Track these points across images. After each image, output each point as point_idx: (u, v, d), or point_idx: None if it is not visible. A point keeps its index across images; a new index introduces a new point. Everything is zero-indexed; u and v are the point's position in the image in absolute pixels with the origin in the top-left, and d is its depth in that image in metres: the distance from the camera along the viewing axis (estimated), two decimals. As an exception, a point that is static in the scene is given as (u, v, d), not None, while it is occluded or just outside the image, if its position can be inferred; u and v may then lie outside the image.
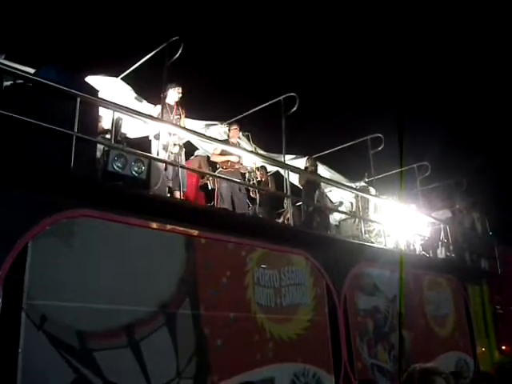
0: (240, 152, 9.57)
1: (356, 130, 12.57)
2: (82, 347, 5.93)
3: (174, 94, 8.84)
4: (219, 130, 10.99)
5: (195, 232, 7.43)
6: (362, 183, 12.98)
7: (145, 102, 9.64)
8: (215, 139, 9.69)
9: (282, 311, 8.25)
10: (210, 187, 10.10)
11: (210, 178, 9.97)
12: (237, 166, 9.65)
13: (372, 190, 12.37)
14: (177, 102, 8.89)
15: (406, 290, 10.24)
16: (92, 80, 8.44)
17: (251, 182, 10.18)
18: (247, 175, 10.12)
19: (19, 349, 5.43)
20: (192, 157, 10.52)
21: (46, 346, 5.66)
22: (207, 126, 10.88)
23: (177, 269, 7.13)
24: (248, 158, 9.91)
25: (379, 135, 11.72)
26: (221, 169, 9.58)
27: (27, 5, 13.54)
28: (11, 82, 6.60)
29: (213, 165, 10.14)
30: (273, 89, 10.43)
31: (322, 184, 11.30)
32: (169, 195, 8.30)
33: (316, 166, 11.44)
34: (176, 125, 8.51)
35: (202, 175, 10.19)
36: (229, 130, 10.28)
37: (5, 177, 5.54)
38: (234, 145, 9.59)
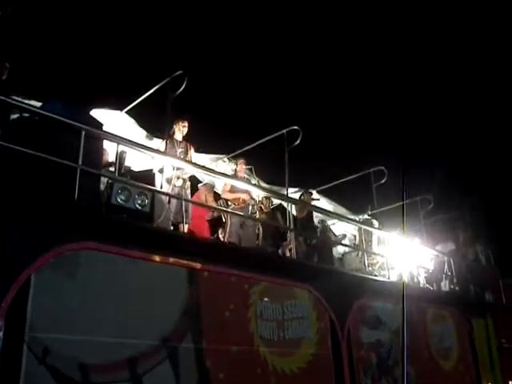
0: (249, 187, 9.64)
1: (359, 163, 12.65)
2: (85, 381, 5.88)
3: (182, 129, 8.94)
4: (226, 166, 11.07)
5: (198, 265, 7.42)
6: (365, 216, 12.99)
7: (152, 137, 9.76)
8: (224, 174, 9.76)
9: (285, 344, 8.19)
10: (223, 219, 10.12)
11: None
12: (248, 202, 9.74)
13: (375, 223, 12.38)
14: (183, 137, 8.98)
15: (409, 323, 10.15)
16: (96, 113, 8.55)
17: (255, 214, 10.23)
18: (250, 208, 10.16)
19: (20, 382, 5.39)
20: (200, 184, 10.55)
21: (48, 379, 5.61)
22: (211, 160, 10.96)
23: (180, 302, 7.11)
24: (253, 191, 9.98)
25: (382, 168, 11.78)
26: (233, 205, 9.66)
27: (33, 39, 13.73)
28: (18, 116, 6.71)
29: (218, 195, 10.21)
30: (276, 122, 10.53)
31: (323, 216, 11.32)
32: (172, 228, 8.33)
33: (311, 200, 11.50)
34: (182, 159, 8.57)
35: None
36: (236, 164, 10.35)
37: (9, 209, 5.57)
38: (242, 179, 9.67)
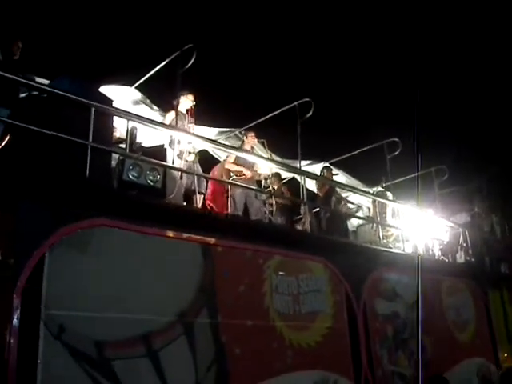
0: (254, 159, 9.54)
1: (372, 134, 12.50)
2: (100, 357, 5.89)
3: (185, 102, 8.84)
4: (233, 137, 10.99)
5: (212, 240, 7.39)
6: (379, 188, 12.90)
7: (159, 110, 9.67)
8: (229, 146, 9.69)
9: (300, 318, 8.17)
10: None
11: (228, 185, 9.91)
12: (250, 176, 9.62)
13: (389, 195, 12.29)
14: (188, 110, 8.88)
15: (424, 295, 10.11)
16: (106, 90, 8.49)
17: (267, 190, 10.17)
18: (263, 182, 10.09)
19: (38, 359, 5.42)
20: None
21: (65, 356, 5.63)
22: (220, 133, 10.88)
23: (194, 277, 7.08)
24: (263, 165, 9.88)
25: (396, 139, 11.66)
26: (235, 176, 9.55)
27: (41, 16, 13.64)
28: (26, 94, 6.66)
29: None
30: (287, 95, 10.41)
31: (339, 190, 11.24)
32: (185, 203, 8.29)
33: (332, 175, 11.40)
34: (190, 133, 8.50)
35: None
36: (246, 137, 10.25)
37: (21, 188, 5.53)
38: (247, 152, 9.57)
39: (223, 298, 7.25)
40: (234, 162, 9.63)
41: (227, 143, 10.32)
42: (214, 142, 9.28)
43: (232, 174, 9.70)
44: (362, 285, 9.28)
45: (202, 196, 8.80)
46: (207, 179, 9.44)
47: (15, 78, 6.38)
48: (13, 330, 5.26)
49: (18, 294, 5.39)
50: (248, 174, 9.57)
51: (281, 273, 8.13)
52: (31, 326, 5.47)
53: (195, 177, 8.26)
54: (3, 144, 6.79)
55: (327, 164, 11.91)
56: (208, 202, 9.58)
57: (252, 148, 10.02)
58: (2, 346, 5.13)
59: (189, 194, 8.42)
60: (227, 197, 9.58)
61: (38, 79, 7.38)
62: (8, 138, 6.50)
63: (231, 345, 7.13)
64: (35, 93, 6.59)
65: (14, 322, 5.31)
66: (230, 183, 9.43)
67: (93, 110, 6.48)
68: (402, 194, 12.24)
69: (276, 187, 10.68)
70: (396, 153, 11.57)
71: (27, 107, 6.37)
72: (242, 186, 9.22)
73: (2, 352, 5.16)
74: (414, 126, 3.13)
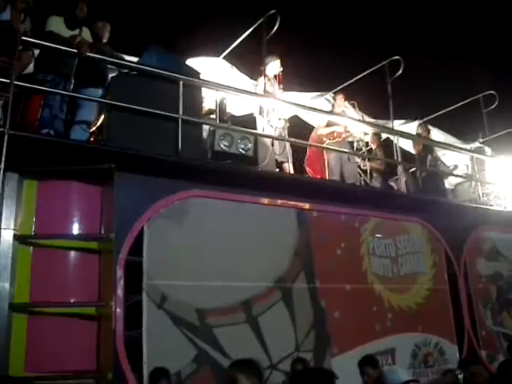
0: (347, 121, 9.40)
1: (466, 88, 12.03)
2: (202, 324, 6.11)
3: (273, 67, 8.77)
4: (324, 101, 10.85)
5: (307, 205, 7.39)
6: (477, 144, 12.39)
7: (248, 78, 9.68)
8: (320, 110, 9.58)
9: (399, 281, 8.08)
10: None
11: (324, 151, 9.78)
12: (343, 136, 9.47)
13: (488, 151, 11.80)
14: (276, 76, 8.82)
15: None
16: (194, 62, 8.58)
17: (361, 151, 10.02)
18: (355, 144, 9.93)
19: (143, 327, 5.66)
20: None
21: (168, 323, 5.88)
22: (313, 98, 10.77)
23: (291, 243, 7.14)
24: (356, 126, 9.72)
25: (492, 92, 11.18)
26: (328, 140, 9.43)
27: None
28: (116, 73, 6.86)
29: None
30: (375, 53, 10.15)
31: (435, 148, 10.90)
32: (278, 170, 8.31)
33: (429, 130, 11.05)
34: (280, 99, 8.45)
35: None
36: (335, 100, 10.11)
37: (118, 163, 5.69)
38: (339, 114, 9.43)
39: (320, 262, 7.27)
40: (326, 126, 9.51)
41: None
42: (305, 106, 9.18)
43: (325, 139, 9.58)
44: (462, 245, 9.02)
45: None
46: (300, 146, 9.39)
47: (106, 58, 6.61)
48: (118, 300, 5.51)
49: (120, 266, 5.65)
50: (340, 129, 9.39)
51: (377, 235, 8.04)
52: (134, 296, 5.71)
53: (286, 143, 8.23)
54: (99, 122, 7.06)
55: (421, 122, 11.55)
56: (306, 166, 9.56)
57: (343, 111, 9.84)
58: (109, 316, 5.37)
59: (281, 161, 8.41)
60: (324, 160, 9.48)
61: (126, 57, 7.58)
62: (103, 116, 6.74)
63: (330, 308, 7.17)
64: (125, 71, 6.77)
65: (119, 292, 5.56)
66: (323, 147, 9.33)
67: (181, 83, 6.60)
68: (502, 148, 11.73)
69: (375, 146, 10.48)
70: (493, 106, 11.10)
71: (119, 86, 6.55)
72: (335, 150, 9.11)
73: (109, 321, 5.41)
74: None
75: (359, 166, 9.95)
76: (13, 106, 5.36)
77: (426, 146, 10.53)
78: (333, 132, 9.39)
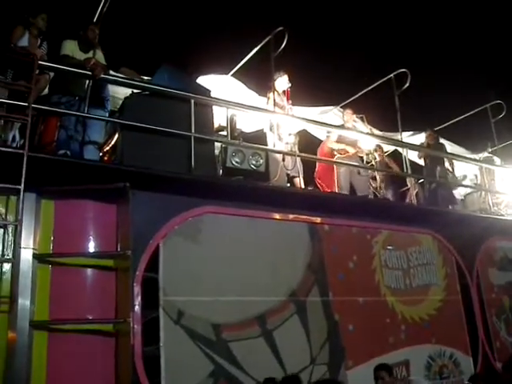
0: (357, 135, 9.49)
1: (473, 99, 12.08)
2: (218, 339, 6.17)
3: (282, 83, 8.85)
4: (333, 115, 10.95)
5: (318, 219, 7.47)
6: (486, 154, 12.44)
7: (256, 95, 9.79)
8: (331, 125, 9.67)
9: (412, 292, 8.12)
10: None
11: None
12: (353, 153, 9.56)
13: (497, 160, 11.85)
14: (285, 91, 8.91)
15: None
16: (203, 80, 8.70)
17: (370, 164, 10.09)
18: (365, 157, 10.01)
19: (160, 342, 5.74)
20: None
21: (185, 339, 5.96)
22: (322, 112, 10.87)
23: (303, 257, 7.22)
24: (365, 140, 9.80)
25: (500, 102, 11.24)
26: (338, 155, 9.52)
27: (135, 15, 14.05)
28: (130, 93, 6.99)
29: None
30: (382, 67, 10.23)
31: (444, 159, 10.95)
32: (289, 184, 8.38)
33: (437, 138, 11.10)
34: (290, 115, 8.55)
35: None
36: (343, 114, 10.21)
37: (133, 181, 5.78)
38: (349, 129, 9.52)
39: (333, 275, 7.34)
40: (336, 141, 9.60)
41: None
42: (316, 122, 9.31)
43: (335, 153, 9.68)
44: (474, 255, 9.06)
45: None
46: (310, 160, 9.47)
47: (118, 79, 6.77)
48: (135, 316, 5.60)
49: (137, 283, 5.75)
50: (351, 150, 9.49)
51: (389, 247, 8.10)
52: (152, 312, 5.80)
53: (297, 158, 8.32)
54: (113, 141, 7.18)
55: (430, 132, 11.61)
56: (317, 179, 9.65)
57: (353, 126, 9.93)
58: (127, 332, 5.45)
59: (292, 176, 8.49)
60: (334, 174, 9.56)
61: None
62: (117, 135, 6.86)
63: (344, 322, 7.22)
64: (137, 91, 6.91)
65: (136, 308, 5.66)
66: (333, 162, 9.42)
67: (193, 101, 6.73)
68: (511, 157, 11.77)
69: (379, 159, 10.55)
70: (501, 116, 11.15)
71: (132, 106, 6.67)
72: (345, 164, 9.19)
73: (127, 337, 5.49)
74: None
75: (371, 178, 10.01)
76: (31, 129, 5.49)
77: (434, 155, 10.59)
78: (344, 149, 9.48)
